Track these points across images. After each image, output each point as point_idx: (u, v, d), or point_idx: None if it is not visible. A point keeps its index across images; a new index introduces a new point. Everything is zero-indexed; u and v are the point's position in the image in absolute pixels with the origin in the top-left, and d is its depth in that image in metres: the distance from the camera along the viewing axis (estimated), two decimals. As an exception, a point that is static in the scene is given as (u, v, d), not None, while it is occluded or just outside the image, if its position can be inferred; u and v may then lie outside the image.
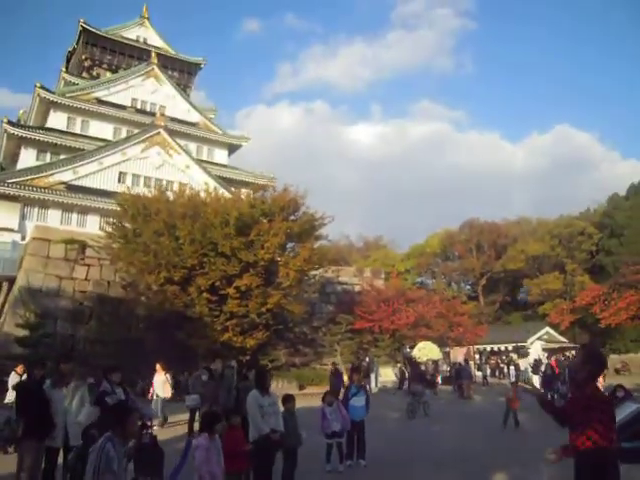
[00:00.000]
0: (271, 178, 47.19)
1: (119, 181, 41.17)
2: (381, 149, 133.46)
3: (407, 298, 42.28)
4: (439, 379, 36.67)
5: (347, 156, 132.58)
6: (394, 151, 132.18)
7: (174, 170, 43.95)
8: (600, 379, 23.88)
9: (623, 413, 7.14)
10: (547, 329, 45.04)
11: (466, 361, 26.89)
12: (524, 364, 36.72)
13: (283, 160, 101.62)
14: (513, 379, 30.37)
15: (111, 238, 30.61)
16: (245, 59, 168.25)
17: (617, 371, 34.67)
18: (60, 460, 7.44)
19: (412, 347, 38.75)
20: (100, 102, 45.29)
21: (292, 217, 31.27)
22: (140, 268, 28.15)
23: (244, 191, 40.25)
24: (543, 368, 24.67)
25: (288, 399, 8.31)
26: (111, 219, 33.39)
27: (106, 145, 41.99)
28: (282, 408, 8.08)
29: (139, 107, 47.98)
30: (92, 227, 37.71)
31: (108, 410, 4.68)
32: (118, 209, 31.90)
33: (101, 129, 44.95)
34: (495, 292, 58.95)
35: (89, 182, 39.79)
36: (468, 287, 64.44)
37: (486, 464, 10.53)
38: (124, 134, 45.04)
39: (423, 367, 30.81)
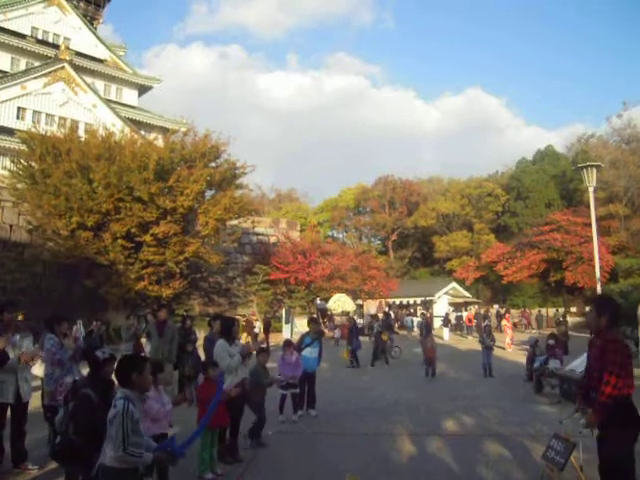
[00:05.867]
0: (184, 123, 45.06)
1: (18, 117, 37.66)
2: (296, 100, 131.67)
3: (323, 251, 42.57)
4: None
5: (261, 105, 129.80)
6: (310, 103, 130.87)
7: (80, 109, 40.81)
8: (510, 331, 25.46)
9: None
10: (453, 284, 47.09)
11: (387, 313, 27.49)
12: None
13: (194, 105, 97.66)
14: (416, 329, 31.60)
15: (16, 178, 28.11)
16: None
17: (515, 325, 37.00)
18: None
19: (323, 299, 39.36)
20: (-6, 27, 40.79)
21: (213, 164, 30.19)
22: (49, 212, 26.17)
23: (153, 135, 38.37)
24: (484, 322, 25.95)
25: (261, 352, 8.03)
26: (10, 157, 30.68)
27: (2, 77, 38.08)
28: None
29: (40, 37, 43.65)
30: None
31: (118, 366, 4.12)
32: (21, 147, 29.28)
33: (-5, 58, 40.59)
34: (405, 248, 60.73)
35: (-19, 116, 36.14)
36: (378, 242, 65.88)
37: (429, 410, 10.84)
38: (23, 66, 40.94)
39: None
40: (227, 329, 7.64)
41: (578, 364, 8.07)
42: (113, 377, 4.54)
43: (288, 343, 10.21)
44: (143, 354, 11.89)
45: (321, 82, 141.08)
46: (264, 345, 20.05)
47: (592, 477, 6.13)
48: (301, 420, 9.86)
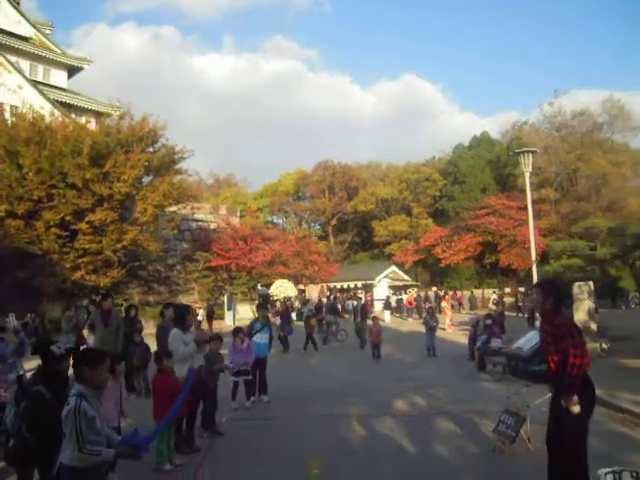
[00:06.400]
0: (117, 107, 43.50)
1: None
2: (232, 83, 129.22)
3: (264, 236, 42.48)
4: (294, 315, 37.82)
5: (197, 88, 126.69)
6: (247, 86, 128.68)
7: (4, 90, 38.51)
8: (449, 312, 26.17)
9: (533, 341, 7.70)
10: (393, 268, 48.00)
11: (329, 297, 27.74)
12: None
13: (128, 88, 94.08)
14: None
15: None
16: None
17: (452, 306, 38.08)
18: None
19: (264, 285, 39.29)
20: None
21: (150, 149, 29.39)
22: (-27, 199, 24.79)
23: (85, 119, 36.80)
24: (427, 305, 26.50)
25: (214, 339, 7.90)
26: None
27: None
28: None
29: (-45, 11, 40.95)
30: None
31: (75, 360, 3.90)
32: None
33: None
34: (345, 232, 61.19)
35: None
36: (318, 227, 66.09)
37: (379, 391, 11.04)
38: (-63, 42, 38.33)
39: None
40: (181, 317, 7.48)
41: (524, 342, 8.41)
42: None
43: (238, 330, 10.13)
44: (85, 346, 11.54)
45: (258, 65, 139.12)
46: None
47: (537, 447, 6.46)
48: (254, 406, 9.83)
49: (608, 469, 3.70)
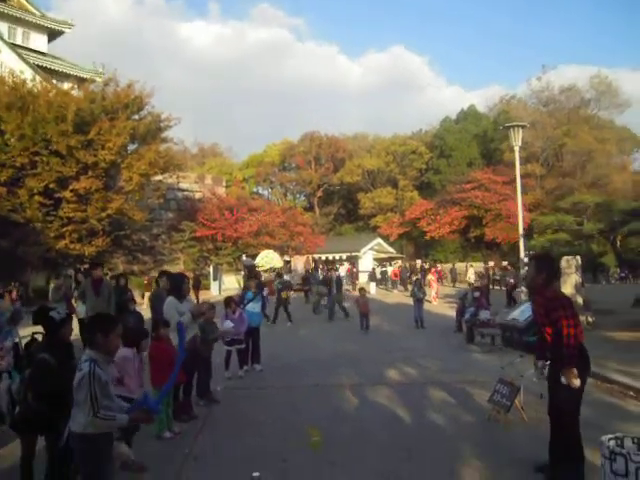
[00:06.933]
0: (101, 73, 42.47)
1: None
2: (218, 51, 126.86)
3: (250, 207, 42.30)
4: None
5: (182, 55, 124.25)
6: (233, 54, 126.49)
7: (-20, 53, 37.48)
8: (435, 285, 26.34)
9: (527, 313, 7.79)
10: (378, 240, 48.19)
11: (315, 269, 27.76)
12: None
13: (111, 54, 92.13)
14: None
15: None
16: None
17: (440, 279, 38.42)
18: None
19: (250, 255, 39.21)
20: None
21: (136, 116, 28.87)
22: (-47, 165, 24.25)
23: (68, 85, 35.91)
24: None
25: (209, 308, 7.88)
26: None
27: None
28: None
29: None
30: None
31: (86, 325, 3.87)
32: None
33: None
34: (330, 204, 61.12)
35: None
36: (304, 198, 65.91)
37: (370, 361, 11.15)
38: None
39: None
40: (177, 287, 7.43)
41: (518, 313, 8.54)
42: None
43: (230, 299, 10.12)
44: (75, 315, 11.46)
45: (244, 33, 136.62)
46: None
47: (531, 417, 6.60)
48: (247, 375, 9.88)
49: (611, 435, 3.80)
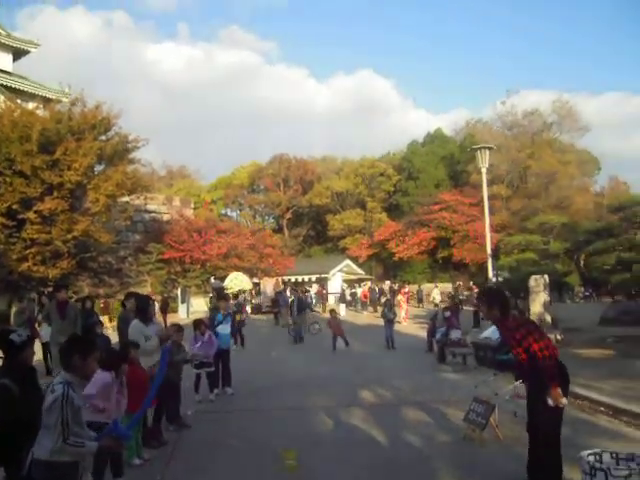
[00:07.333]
0: (67, 93, 41.98)
1: None
2: (188, 74, 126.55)
3: (218, 229, 42.00)
4: (248, 309, 37.57)
5: (151, 77, 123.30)
6: (202, 77, 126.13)
7: (-56, 72, 36.75)
8: (405, 305, 26.39)
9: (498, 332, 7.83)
10: (347, 262, 48.28)
11: (284, 290, 27.66)
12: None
13: (78, 75, 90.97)
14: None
15: None
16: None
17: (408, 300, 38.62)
18: None
19: (218, 278, 38.84)
20: None
21: (103, 137, 28.49)
22: None
23: (33, 105, 35.39)
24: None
25: (176, 330, 7.69)
26: None
27: None
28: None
29: None
30: None
31: (63, 347, 3.71)
32: None
33: None
34: (299, 226, 61.16)
35: None
36: (272, 220, 65.84)
37: (343, 383, 11.05)
38: None
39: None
40: (142, 309, 7.25)
41: (491, 332, 8.59)
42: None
43: (199, 322, 9.95)
44: (38, 339, 11.13)
45: (214, 56, 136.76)
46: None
47: (506, 435, 6.60)
48: (218, 399, 9.68)
49: (590, 451, 3.81)
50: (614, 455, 3.77)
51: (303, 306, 22.48)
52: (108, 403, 5.18)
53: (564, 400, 4.61)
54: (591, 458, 3.70)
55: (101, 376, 5.26)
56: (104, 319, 21.93)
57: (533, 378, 4.87)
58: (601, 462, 3.67)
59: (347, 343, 16.54)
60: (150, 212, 41.90)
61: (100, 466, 5.10)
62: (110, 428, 3.81)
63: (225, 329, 10.30)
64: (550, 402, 4.61)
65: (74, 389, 3.43)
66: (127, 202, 32.38)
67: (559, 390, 4.61)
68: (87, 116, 27.41)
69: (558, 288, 35.74)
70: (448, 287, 41.71)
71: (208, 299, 35.13)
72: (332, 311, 19.27)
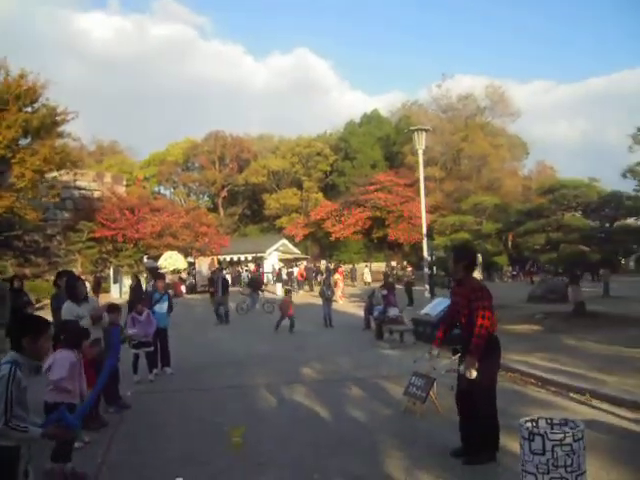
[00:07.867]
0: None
1: None
2: (118, 46, 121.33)
3: (152, 207, 41.05)
4: (183, 288, 37.03)
5: (79, 48, 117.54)
6: (134, 49, 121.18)
7: None
8: (341, 284, 26.73)
9: (439, 307, 8.08)
10: (283, 241, 48.33)
11: (220, 269, 27.33)
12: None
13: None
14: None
15: None
16: None
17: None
18: None
19: (152, 257, 38.06)
20: None
21: (29, 109, 27.07)
22: None
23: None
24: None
25: (112, 309, 7.45)
26: None
27: None
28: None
29: None
30: None
31: (15, 328, 3.51)
32: None
33: None
34: (235, 205, 60.52)
35: None
36: (207, 199, 64.79)
37: (284, 360, 11.13)
38: None
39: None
40: (70, 288, 7.00)
41: (431, 309, 8.84)
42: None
43: (137, 301, 9.75)
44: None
45: (146, 28, 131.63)
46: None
47: (445, 407, 6.85)
48: (157, 379, 9.53)
49: (527, 418, 4.05)
50: (549, 421, 4.02)
51: (255, 285, 22.34)
52: (73, 383, 5.05)
53: (474, 374, 4.93)
54: (529, 424, 3.93)
55: (66, 355, 5.12)
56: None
57: (467, 344, 5.11)
58: (538, 427, 3.90)
59: (293, 325, 16.05)
60: (80, 189, 40.36)
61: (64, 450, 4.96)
62: (54, 416, 3.66)
63: (162, 308, 10.11)
64: (461, 369, 5.00)
65: (22, 370, 3.26)
66: (55, 178, 31.07)
67: (475, 364, 4.92)
68: (11, 85, 25.96)
69: (487, 268, 37.27)
70: (381, 266, 42.60)
71: (143, 278, 34.37)
72: (287, 291, 19.17)
